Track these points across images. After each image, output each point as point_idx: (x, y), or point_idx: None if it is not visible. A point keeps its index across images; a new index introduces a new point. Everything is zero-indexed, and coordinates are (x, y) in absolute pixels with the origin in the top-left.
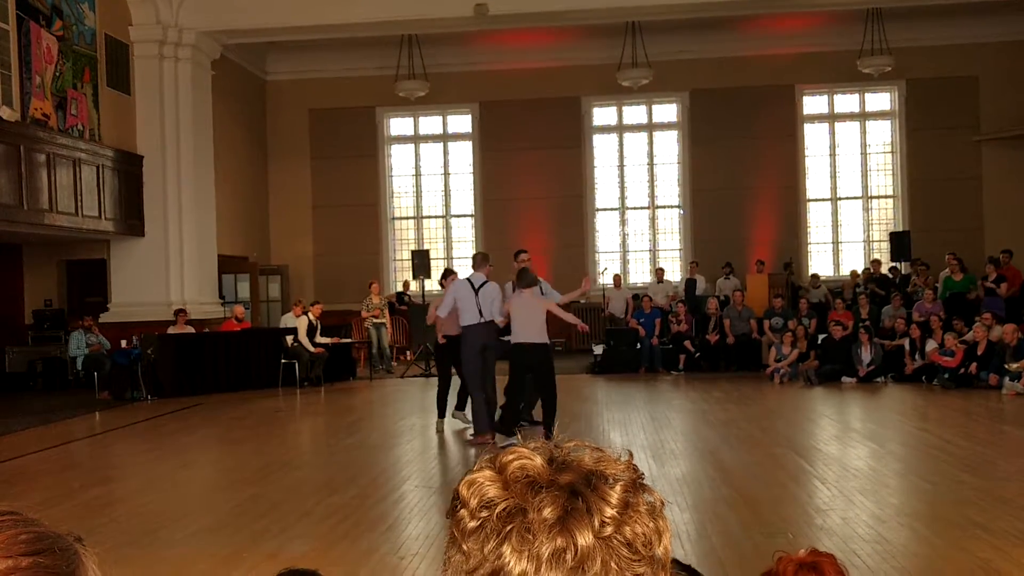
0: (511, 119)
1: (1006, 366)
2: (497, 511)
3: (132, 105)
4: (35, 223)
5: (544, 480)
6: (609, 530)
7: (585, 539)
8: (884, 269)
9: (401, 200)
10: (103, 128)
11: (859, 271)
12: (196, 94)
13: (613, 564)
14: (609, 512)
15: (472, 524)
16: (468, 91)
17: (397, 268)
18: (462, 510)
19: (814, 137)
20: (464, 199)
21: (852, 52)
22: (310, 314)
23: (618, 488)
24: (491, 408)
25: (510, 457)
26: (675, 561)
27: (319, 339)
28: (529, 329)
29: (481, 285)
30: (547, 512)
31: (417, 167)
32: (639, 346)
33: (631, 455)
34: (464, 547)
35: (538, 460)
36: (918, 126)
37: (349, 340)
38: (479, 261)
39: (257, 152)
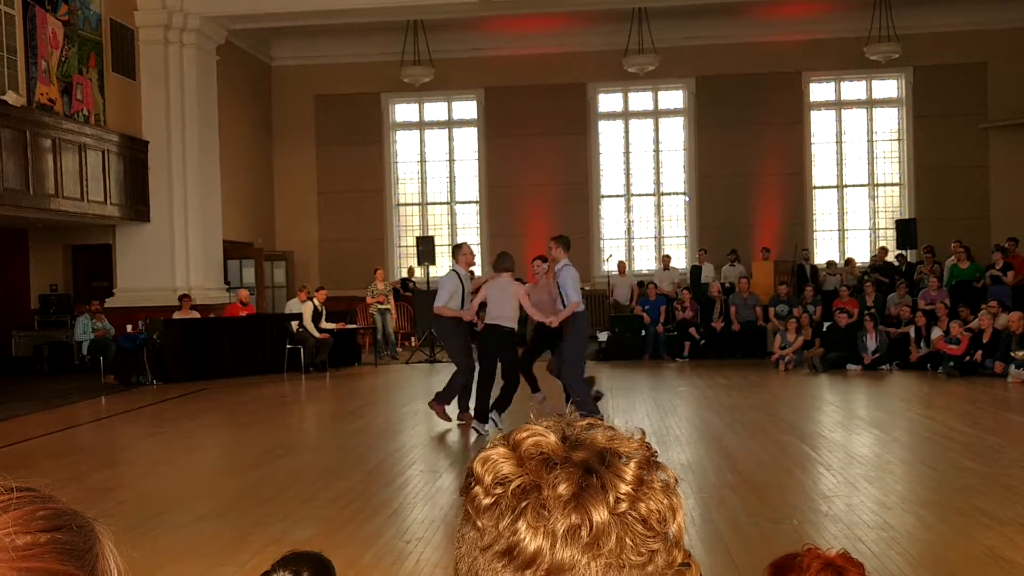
0: (516, 105)
1: (1012, 354)
2: (512, 488)
3: (137, 90)
4: (41, 208)
5: (558, 457)
6: (624, 506)
7: (600, 515)
8: (890, 257)
9: (406, 186)
10: (108, 113)
11: (856, 260)
12: (201, 79)
13: (628, 540)
14: (624, 488)
15: (487, 501)
16: (473, 77)
17: (402, 254)
18: (476, 487)
19: (820, 124)
20: (469, 185)
21: (859, 39)
22: (315, 300)
23: (632, 465)
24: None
25: (524, 434)
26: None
27: (324, 325)
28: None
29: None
30: (562, 488)
31: (422, 153)
32: (644, 333)
33: (644, 434)
34: (479, 524)
35: (552, 437)
36: (925, 113)
37: (354, 326)
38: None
39: (262, 138)
